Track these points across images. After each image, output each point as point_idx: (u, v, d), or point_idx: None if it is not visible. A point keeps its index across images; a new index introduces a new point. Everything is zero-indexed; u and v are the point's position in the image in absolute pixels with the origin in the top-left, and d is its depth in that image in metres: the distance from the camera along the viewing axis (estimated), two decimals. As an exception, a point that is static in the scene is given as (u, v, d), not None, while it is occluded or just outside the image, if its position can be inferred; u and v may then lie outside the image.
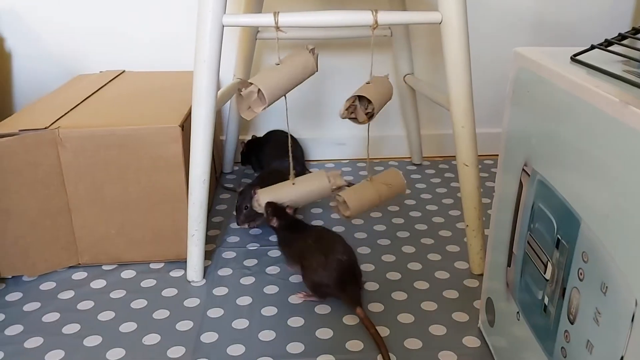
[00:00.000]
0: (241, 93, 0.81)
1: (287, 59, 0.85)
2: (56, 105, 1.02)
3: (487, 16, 1.36)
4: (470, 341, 0.79)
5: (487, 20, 1.36)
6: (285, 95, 0.85)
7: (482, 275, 0.92)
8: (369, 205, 0.93)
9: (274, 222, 0.92)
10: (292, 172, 0.94)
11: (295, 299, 0.88)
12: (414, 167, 1.39)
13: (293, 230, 0.92)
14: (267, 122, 1.42)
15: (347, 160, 1.43)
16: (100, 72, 1.31)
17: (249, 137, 1.37)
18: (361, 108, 0.87)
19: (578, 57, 0.58)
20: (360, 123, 0.89)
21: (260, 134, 1.37)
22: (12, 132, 0.88)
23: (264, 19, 0.83)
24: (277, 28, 0.83)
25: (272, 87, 0.81)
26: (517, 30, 1.37)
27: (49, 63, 1.33)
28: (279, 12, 0.82)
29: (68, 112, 0.98)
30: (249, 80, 0.81)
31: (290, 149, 0.93)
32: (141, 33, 1.32)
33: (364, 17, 0.82)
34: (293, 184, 0.94)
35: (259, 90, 0.80)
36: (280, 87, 0.83)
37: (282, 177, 1.00)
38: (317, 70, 0.87)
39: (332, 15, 0.83)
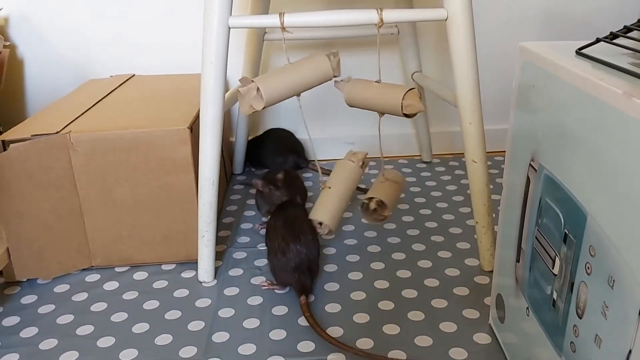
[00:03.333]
0: (239, 90, 0.82)
1: (297, 62, 0.85)
2: (67, 110, 1.04)
3: (493, 11, 1.35)
4: (481, 338, 0.79)
5: (494, 15, 1.35)
6: (299, 97, 0.85)
7: (492, 271, 0.91)
8: (397, 202, 0.95)
9: (260, 185, 0.96)
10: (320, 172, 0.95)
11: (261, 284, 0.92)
12: (424, 165, 1.39)
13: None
14: (275, 121, 1.42)
15: (357, 159, 1.43)
16: (111, 76, 1.33)
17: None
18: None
19: (583, 51, 0.58)
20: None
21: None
22: (25, 137, 0.89)
23: (270, 20, 0.84)
24: (283, 29, 0.83)
25: (272, 87, 0.82)
26: (524, 24, 1.37)
27: (60, 68, 1.35)
28: (284, 13, 0.82)
29: (79, 116, 1.00)
30: (252, 79, 0.82)
31: (291, 146, 0.94)
32: (150, 37, 1.33)
33: (369, 15, 0.83)
34: (329, 187, 0.93)
35: (259, 88, 0.81)
36: (283, 87, 0.83)
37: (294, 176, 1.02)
38: (337, 75, 0.85)
39: (337, 15, 0.84)
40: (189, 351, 0.78)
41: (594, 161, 0.49)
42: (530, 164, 0.63)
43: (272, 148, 1.34)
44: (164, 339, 0.81)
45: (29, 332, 0.83)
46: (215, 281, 0.94)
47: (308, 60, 0.85)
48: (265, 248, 1.03)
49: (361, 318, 0.84)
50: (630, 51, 0.57)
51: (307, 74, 0.85)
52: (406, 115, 0.84)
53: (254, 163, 1.38)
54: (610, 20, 1.36)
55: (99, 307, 0.88)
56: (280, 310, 0.86)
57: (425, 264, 0.97)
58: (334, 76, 0.85)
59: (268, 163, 1.34)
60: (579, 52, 0.58)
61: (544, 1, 1.35)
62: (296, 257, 0.87)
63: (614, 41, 0.59)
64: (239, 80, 0.82)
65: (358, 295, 0.89)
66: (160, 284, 0.94)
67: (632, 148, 0.43)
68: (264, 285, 0.91)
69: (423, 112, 0.86)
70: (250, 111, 0.82)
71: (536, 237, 0.62)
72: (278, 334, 0.81)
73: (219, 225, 1.11)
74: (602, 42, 0.59)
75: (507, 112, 0.67)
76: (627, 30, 0.60)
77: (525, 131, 0.65)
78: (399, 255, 1.00)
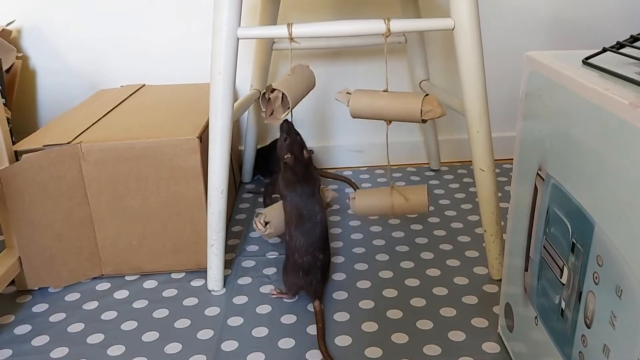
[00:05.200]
0: (269, 97, 0.83)
1: (296, 71, 0.87)
2: (78, 120, 1.05)
3: (501, 18, 1.35)
4: (490, 347, 0.79)
5: (501, 22, 1.35)
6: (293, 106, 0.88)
7: (501, 280, 0.91)
8: (379, 211, 0.93)
9: (290, 160, 0.87)
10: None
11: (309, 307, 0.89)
12: (432, 173, 1.39)
13: (298, 181, 0.87)
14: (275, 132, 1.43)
15: (365, 168, 1.44)
16: (121, 86, 1.34)
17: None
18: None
19: (590, 60, 0.58)
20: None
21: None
22: (37, 148, 0.91)
23: (278, 31, 0.85)
24: (291, 39, 0.84)
25: (293, 94, 0.84)
26: (531, 31, 1.37)
27: (71, 79, 1.37)
28: (292, 24, 0.83)
29: (90, 126, 1.01)
30: (273, 86, 0.83)
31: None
32: (160, 48, 1.35)
33: (376, 26, 0.83)
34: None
35: (282, 96, 0.82)
36: (297, 95, 0.85)
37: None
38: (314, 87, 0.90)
39: (344, 25, 0.84)
40: (198, 360, 0.79)
41: (601, 171, 0.49)
42: (537, 173, 0.63)
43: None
44: (173, 348, 0.81)
45: (41, 340, 0.84)
46: (225, 290, 0.95)
47: (304, 70, 0.88)
48: (274, 257, 1.04)
49: (370, 327, 0.84)
50: (637, 61, 0.57)
51: (305, 83, 0.88)
52: (423, 121, 0.84)
53: (263, 172, 1.39)
54: (616, 25, 1.35)
55: (109, 315, 0.89)
56: (289, 319, 0.86)
57: (433, 272, 0.97)
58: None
59: (276, 172, 1.34)
60: (585, 62, 0.58)
61: (551, 8, 1.35)
62: (311, 267, 0.86)
63: (621, 51, 0.59)
64: (267, 87, 0.83)
65: (366, 304, 0.89)
66: (169, 292, 0.95)
67: (638, 158, 0.43)
68: (273, 294, 0.92)
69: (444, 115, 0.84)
70: (275, 122, 0.84)
71: (544, 246, 0.62)
72: (287, 343, 0.81)
73: (228, 234, 1.12)
74: (608, 52, 0.60)
75: (515, 119, 0.68)
76: (633, 39, 0.60)
77: (532, 141, 0.65)
78: (407, 264, 1.00)
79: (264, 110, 0.85)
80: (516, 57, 1.37)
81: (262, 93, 0.85)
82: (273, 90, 0.83)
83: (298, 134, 0.89)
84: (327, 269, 0.91)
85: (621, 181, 0.46)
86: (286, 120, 0.87)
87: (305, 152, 0.88)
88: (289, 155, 0.87)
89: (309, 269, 0.86)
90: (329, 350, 0.79)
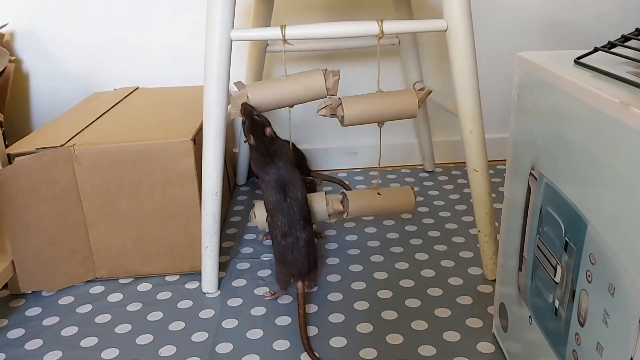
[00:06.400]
0: (231, 93, 0.83)
1: (294, 75, 0.87)
2: (72, 123, 1.05)
3: (494, 19, 1.36)
4: (485, 347, 0.79)
5: (494, 23, 1.36)
6: (291, 107, 0.87)
7: (495, 280, 0.91)
8: (368, 210, 0.96)
9: (252, 140, 0.87)
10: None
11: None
12: (426, 174, 1.40)
13: (268, 161, 0.87)
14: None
15: (360, 170, 1.44)
16: (115, 89, 1.34)
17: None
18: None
19: (581, 60, 0.59)
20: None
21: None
22: (30, 151, 0.90)
23: (271, 33, 0.85)
24: (285, 41, 0.84)
25: (262, 95, 0.85)
26: (525, 32, 1.37)
27: (65, 82, 1.36)
28: (285, 25, 0.83)
29: (83, 129, 1.01)
30: (245, 85, 0.84)
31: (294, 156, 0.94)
32: (153, 50, 1.35)
33: (369, 27, 0.83)
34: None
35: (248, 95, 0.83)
36: (272, 97, 0.86)
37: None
38: (332, 95, 0.88)
39: (338, 27, 0.84)
40: (193, 362, 0.78)
41: (593, 170, 0.49)
42: (530, 173, 0.64)
43: None
44: (167, 350, 0.81)
45: (34, 344, 0.83)
46: (219, 292, 0.94)
47: (303, 76, 0.87)
48: (268, 259, 1.04)
49: (365, 328, 0.84)
50: (629, 60, 0.58)
51: (299, 89, 0.87)
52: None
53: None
54: (610, 27, 1.36)
55: (103, 318, 0.89)
56: (284, 320, 0.86)
57: (428, 273, 0.97)
58: (328, 95, 0.86)
59: None
60: (577, 62, 0.59)
61: (545, 9, 1.36)
62: (301, 256, 0.86)
63: (612, 50, 0.60)
64: (234, 83, 0.84)
65: (361, 305, 0.89)
66: (164, 295, 0.94)
67: (630, 157, 0.43)
68: (267, 297, 0.92)
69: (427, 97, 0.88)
70: (238, 116, 0.84)
71: (537, 246, 0.62)
72: (282, 345, 0.81)
73: (223, 236, 1.12)
74: (600, 52, 0.60)
75: (508, 120, 0.68)
76: (625, 39, 0.60)
77: (525, 140, 0.65)
78: (402, 265, 1.00)
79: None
80: (509, 59, 1.38)
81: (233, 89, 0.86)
82: (242, 87, 0.85)
83: (259, 115, 0.88)
84: (312, 248, 0.88)
85: (613, 179, 0.46)
86: (244, 103, 0.87)
87: (267, 130, 0.87)
88: (250, 137, 0.87)
89: (293, 247, 0.86)
90: (312, 345, 0.79)
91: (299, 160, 1.36)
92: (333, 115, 0.88)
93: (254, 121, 0.86)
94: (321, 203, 0.94)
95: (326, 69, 0.86)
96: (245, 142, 0.88)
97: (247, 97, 0.85)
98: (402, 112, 0.87)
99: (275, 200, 0.86)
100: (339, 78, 0.87)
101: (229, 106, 0.89)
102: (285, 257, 0.86)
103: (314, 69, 0.87)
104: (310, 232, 0.88)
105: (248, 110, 0.86)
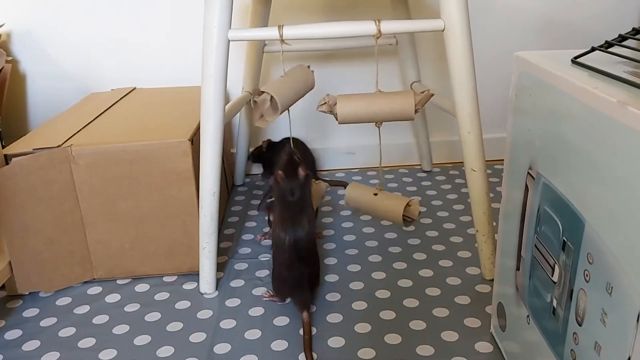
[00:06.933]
0: (255, 100, 0.83)
1: (291, 72, 0.87)
2: (69, 124, 1.04)
3: (492, 19, 1.36)
4: (483, 347, 0.79)
5: (492, 23, 1.36)
6: (288, 109, 0.87)
7: (493, 280, 0.91)
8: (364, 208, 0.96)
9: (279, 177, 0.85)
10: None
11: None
12: (424, 174, 1.40)
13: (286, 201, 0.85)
14: (277, 132, 1.43)
15: (358, 169, 1.44)
16: (112, 89, 1.34)
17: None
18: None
19: (579, 60, 0.59)
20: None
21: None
22: (27, 151, 0.90)
23: (269, 33, 0.85)
24: (282, 41, 0.84)
25: (284, 96, 0.84)
26: (522, 32, 1.37)
27: (62, 83, 1.36)
28: (283, 25, 0.83)
29: (80, 129, 1.01)
30: (261, 89, 0.83)
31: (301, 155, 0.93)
32: (150, 51, 1.35)
33: (367, 27, 0.83)
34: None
35: (271, 98, 0.82)
36: (289, 96, 0.86)
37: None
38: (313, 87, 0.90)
39: (335, 27, 0.84)
40: (191, 363, 0.78)
41: (591, 169, 0.49)
42: (528, 173, 0.64)
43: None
44: (165, 351, 0.81)
45: (31, 345, 0.83)
46: (217, 292, 0.94)
47: (299, 71, 0.88)
48: (266, 259, 1.03)
49: (363, 328, 0.84)
50: (626, 59, 0.58)
51: (301, 85, 0.88)
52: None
53: (265, 167, 1.37)
54: (608, 27, 1.37)
55: (100, 319, 0.89)
56: (281, 320, 0.86)
57: (426, 273, 0.97)
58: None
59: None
60: (574, 61, 0.59)
61: (542, 9, 1.36)
62: (298, 276, 0.85)
63: (609, 50, 0.60)
64: (252, 93, 0.83)
65: (359, 305, 0.89)
66: (161, 295, 0.94)
67: (627, 156, 0.43)
68: (265, 297, 0.92)
69: (421, 118, 0.86)
70: (264, 125, 0.83)
71: (535, 245, 0.62)
72: (280, 345, 0.81)
73: (221, 237, 1.12)
74: (597, 51, 0.60)
75: (506, 120, 0.69)
76: (622, 38, 0.61)
77: (522, 140, 0.65)
78: (400, 265, 1.00)
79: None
80: (507, 59, 1.38)
81: (252, 97, 0.85)
82: (262, 92, 0.83)
83: (299, 157, 0.88)
84: (315, 282, 0.90)
85: (611, 179, 0.46)
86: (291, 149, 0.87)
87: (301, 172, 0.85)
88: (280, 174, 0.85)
89: (296, 283, 0.85)
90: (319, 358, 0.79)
91: (310, 163, 1.35)
92: (331, 112, 0.88)
93: (293, 162, 0.86)
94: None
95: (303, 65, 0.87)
96: (256, 151, 0.86)
97: (272, 101, 0.82)
98: (399, 114, 0.86)
99: (282, 238, 0.84)
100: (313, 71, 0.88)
101: (228, 105, 0.88)
102: (287, 287, 0.87)
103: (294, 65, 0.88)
104: (317, 267, 0.89)
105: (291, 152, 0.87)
